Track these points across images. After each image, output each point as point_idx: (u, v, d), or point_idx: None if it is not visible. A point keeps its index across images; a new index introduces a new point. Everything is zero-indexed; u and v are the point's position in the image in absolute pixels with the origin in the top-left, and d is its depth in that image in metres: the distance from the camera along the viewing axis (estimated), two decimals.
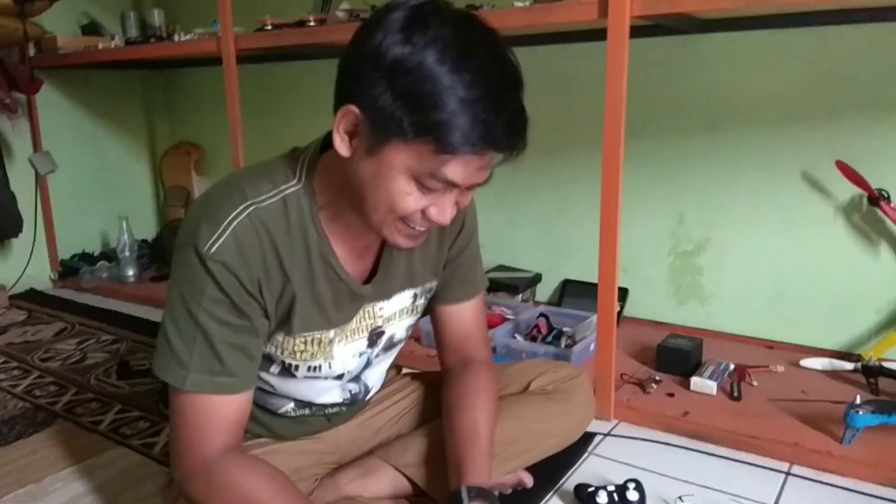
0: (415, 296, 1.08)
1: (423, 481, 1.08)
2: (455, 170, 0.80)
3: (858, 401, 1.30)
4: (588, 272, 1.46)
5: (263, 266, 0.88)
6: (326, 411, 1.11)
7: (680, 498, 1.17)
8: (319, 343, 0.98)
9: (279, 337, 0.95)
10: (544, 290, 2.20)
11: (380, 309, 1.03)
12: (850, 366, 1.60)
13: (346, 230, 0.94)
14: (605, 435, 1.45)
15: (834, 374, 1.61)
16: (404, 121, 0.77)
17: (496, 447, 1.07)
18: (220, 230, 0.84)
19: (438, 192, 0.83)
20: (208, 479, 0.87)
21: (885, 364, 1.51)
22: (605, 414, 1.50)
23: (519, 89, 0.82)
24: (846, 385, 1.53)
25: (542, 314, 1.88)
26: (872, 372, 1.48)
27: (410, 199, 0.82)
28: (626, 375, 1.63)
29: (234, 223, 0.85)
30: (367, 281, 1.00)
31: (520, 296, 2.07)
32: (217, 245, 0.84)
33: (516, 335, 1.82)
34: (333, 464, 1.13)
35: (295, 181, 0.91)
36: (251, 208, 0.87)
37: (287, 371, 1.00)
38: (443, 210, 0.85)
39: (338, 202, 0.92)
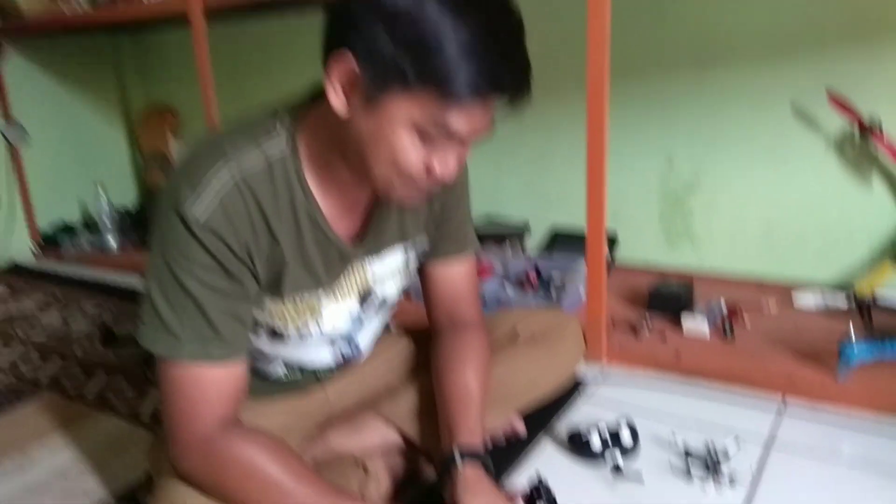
0: (406, 253, 1.04)
1: (414, 434, 1.07)
2: (459, 119, 0.77)
3: (853, 335, 1.28)
4: (578, 219, 1.42)
5: (252, 230, 0.84)
6: (318, 374, 1.08)
7: (673, 434, 1.15)
8: (309, 305, 0.95)
9: (268, 301, 0.92)
10: (533, 240, 2.16)
11: (371, 268, 1.00)
12: (843, 301, 1.59)
13: (335, 187, 0.90)
14: (598, 379, 1.43)
15: (827, 311, 1.59)
16: (406, 68, 0.74)
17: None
18: (204, 194, 0.80)
19: (441, 145, 0.80)
20: (208, 455, 0.84)
21: (879, 297, 1.50)
22: (597, 358, 1.49)
23: (522, 34, 0.79)
24: (840, 321, 1.51)
25: (531, 264, 1.85)
26: (866, 306, 1.47)
27: (413, 153, 0.79)
28: (616, 320, 1.61)
29: (219, 187, 0.81)
30: (357, 238, 0.97)
31: (508, 246, 2.03)
32: (203, 210, 0.80)
33: (506, 286, 1.79)
34: (322, 419, 1.11)
35: (278, 138, 0.86)
36: (235, 171, 0.82)
37: (276, 335, 0.97)
38: (446, 163, 0.82)
39: (326, 158, 0.88)
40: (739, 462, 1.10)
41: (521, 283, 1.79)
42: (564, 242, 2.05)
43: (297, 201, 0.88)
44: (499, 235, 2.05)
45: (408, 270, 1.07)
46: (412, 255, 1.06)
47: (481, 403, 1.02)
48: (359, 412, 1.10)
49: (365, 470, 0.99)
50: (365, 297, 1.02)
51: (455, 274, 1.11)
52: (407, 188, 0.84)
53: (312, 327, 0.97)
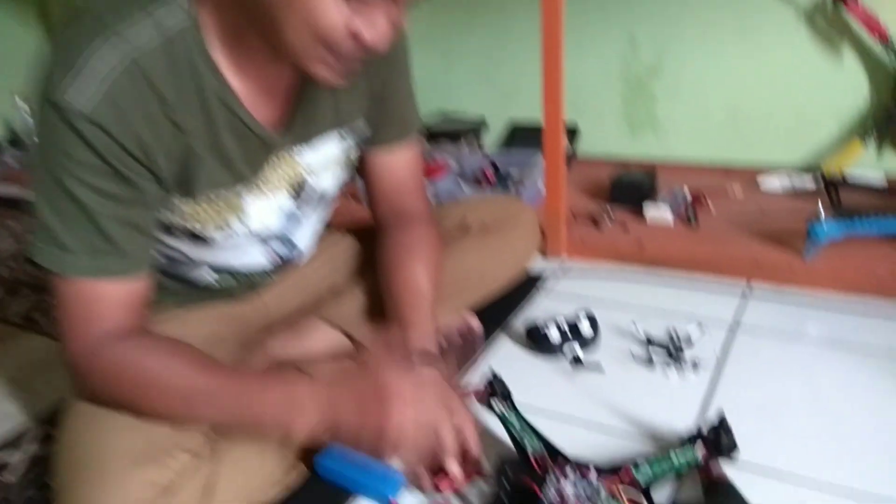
0: (343, 140, 0.93)
1: (363, 337, 0.99)
2: None
3: (822, 212, 1.22)
4: (537, 112, 1.31)
5: (148, 122, 0.71)
6: (253, 279, 0.99)
7: (634, 323, 1.10)
8: (228, 203, 0.84)
9: (178, 202, 0.80)
10: (491, 136, 2.05)
11: (301, 157, 0.88)
12: (811, 182, 1.53)
13: (250, 64, 0.77)
14: (557, 274, 1.37)
15: (795, 194, 1.54)
16: None
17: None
18: (84, 79, 0.67)
19: (368, 3, 0.67)
20: (105, 366, 0.75)
21: (847, 175, 1.44)
22: (557, 253, 1.42)
23: None
24: (808, 203, 1.45)
25: (487, 160, 1.75)
26: (834, 184, 1.41)
27: (334, 13, 0.66)
28: (577, 213, 1.53)
29: (105, 71, 0.67)
30: (282, 125, 0.84)
31: (463, 144, 1.92)
32: (85, 100, 0.67)
33: (461, 184, 1.69)
34: (261, 328, 1.02)
35: (173, 4, 0.72)
36: (122, 49, 0.68)
37: (196, 236, 0.86)
38: (374, 25, 0.69)
39: (235, 28, 0.74)
40: (703, 348, 1.05)
41: (478, 180, 1.70)
42: (524, 137, 1.94)
43: (205, 83, 0.75)
44: (453, 132, 1.93)
45: (347, 160, 0.96)
46: (350, 143, 0.95)
47: (432, 301, 0.95)
48: (302, 318, 1.02)
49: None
50: (298, 191, 0.91)
51: (398, 162, 1.01)
52: (330, 60, 0.71)
53: (237, 227, 0.87)
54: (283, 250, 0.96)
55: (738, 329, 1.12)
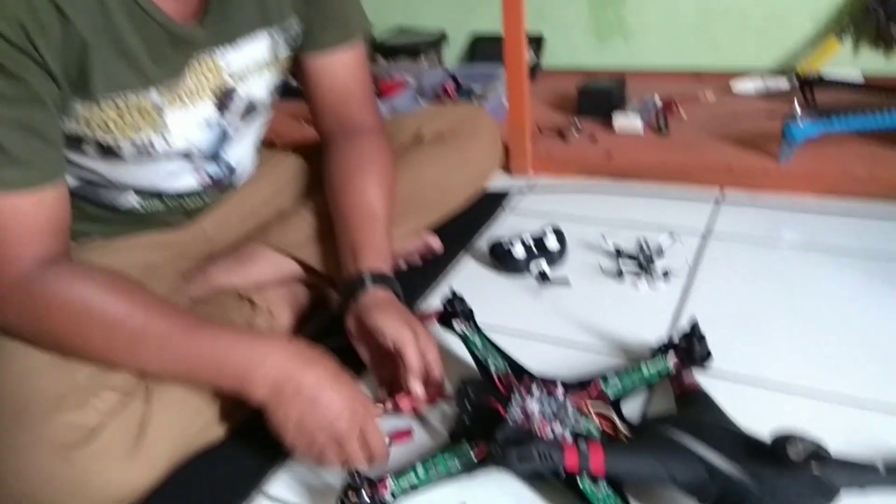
0: (272, 40, 0.83)
1: (314, 259, 0.92)
2: None
3: (797, 112, 1.16)
4: (500, 23, 1.20)
5: (28, 5, 0.62)
6: (185, 203, 0.90)
7: (603, 236, 1.05)
8: (140, 109, 0.74)
9: (78, 105, 0.70)
10: (452, 50, 1.94)
11: (224, 60, 0.79)
12: (785, 83, 1.46)
13: None
14: (523, 191, 1.30)
15: (769, 95, 1.47)
16: None
17: None
18: None
19: None
20: (27, 301, 0.67)
21: (823, 74, 1.37)
22: (522, 170, 1.35)
23: None
24: (782, 104, 1.38)
25: (448, 75, 1.65)
26: (809, 83, 1.34)
27: None
28: (543, 127, 1.45)
29: None
30: (196, 19, 0.74)
31: (423, 59, 1.81)
32: None
33: (420, 101, 1.60)
34: (202, 258, 0.94)
35: None
36: None
37: (109, 151, 0.77)
38: None
39: None
40: (675, 257, 1.00)
41: (438, 97, 1.60)
42: (487, 50, 1.83)
43: None
44: (411, 47, 1.81)
45: (278, 63, 0.87)
46: (281, 43, 0.85)
47: (387, 220, 0.87)
48: (245, 244, 0.94)
49: (251, 303, 0.85)
50: (223, 99, 0.82)
51: (340, 68, 0.91)
52: None
53: (160, 144, 0.78)
54: (215, 170, 0.88)
55: (711, 237, 1.07)
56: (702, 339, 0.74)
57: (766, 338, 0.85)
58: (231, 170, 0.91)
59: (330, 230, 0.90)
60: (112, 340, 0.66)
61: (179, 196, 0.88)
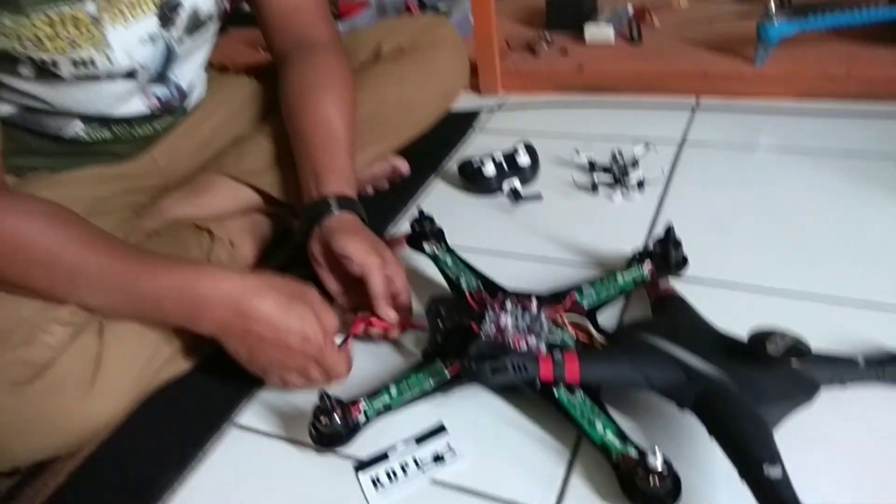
0: None
1: (273, 186, 0.87)
2: None
3: (773, 9, 1.11)
4: None
5: None
6: (134, 131, 0.84)
7: (577, 151, 1.01)
8: (75, 23, 0.68)
9: (7, 20, 0.65)
10: None
11: None
12: None
13: None
14: (492, 109, 1.25)
15: None
16: None
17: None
18: None
19: None
20: None
21: None
22: (491, 88, 1.30)
23: None
24: (758, 4, 1.33)
25: None
26: None
27: None
28: (512, 42, 1.39)
29: None
30: None
31: None
32: None
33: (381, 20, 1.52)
34: (155, 191, 0.89)
35: None
36: None
37: (47, 72, 0.71)
38: None
39: None
40: (649, 168, 0.97)
41: (400, 14, 1.52)
42: None
43: None
44: None
45: None
46: None
47: (349, 140, 0.83)
48: (199, 174, 0.89)
49: (210, 235, 0.81)
50: (167, 12, 0.76)
51: None
52: None
53: (99, 60, 0.72)
54: (163, 93, 0.82)
55: (687, 145, 1.04)
56: (677, 244, 0.72)
57: (744, 242, 0.83)
58: (181, 92, 0.85)
59: (289, 155, 0.85)
60: (51, 276, 0.62)
61: (128, 123, 0.83)
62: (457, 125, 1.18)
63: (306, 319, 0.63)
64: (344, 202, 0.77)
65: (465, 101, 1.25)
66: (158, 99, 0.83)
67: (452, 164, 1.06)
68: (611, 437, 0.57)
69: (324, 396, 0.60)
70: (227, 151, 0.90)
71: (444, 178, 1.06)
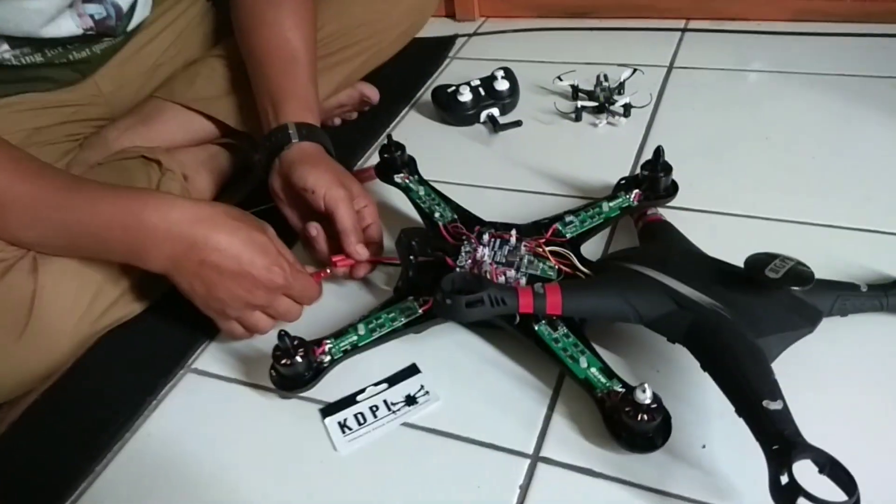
0: None
1: (228, 114, 0.80)
2: None
3: None
4: None
5: None
6: (70, 55, 0.76)
7: (559, 77, 0.94)
8: None
9: None
10: None
11: None
12: None
13: None
14: (469, 36, 1.17)
15: None
16: None
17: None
18: None
19: None
20: None
21: None
22: (468, 12, 1.22)
23: None
24: None
25: None
26: None
27: None
28: None
29: None
30: None
31: None
32: None
33: None
34: (99, 121, 0.82)
35: None
36: None
37: None
38: None
39: None
40: (637, 94, 0.90)
41: None
42: None
43: None
44: None
45: None
46: None
47: (309, 62, 0.76)
48: (147, 101, 0.82)
49: (160, 166, 0.74)
50: None
51: None
52: None
53: None
54: (97, 10, 0.73)
55: (675, 71, 0.98)
56: (667, 168, 0.67)
57: (737, 168, 0.78)
58: (118, 11, 0.76)
59: (246, 79, 0.78)
60: None
61: (61, 45, 0.74)
62: (431, 53, 1.10)
63: (269, 248, 0.57)
64: (305, 130, 0.70)
65: (440, 28, 1.17)
66: (92, 18, 0.74)
67: (426, 95, 0.99)
68: (595, 372, 0.53)
69: (284, 336, 0.55)
70: (178, 76, 0.83)
71: (418, 108, 0.99)
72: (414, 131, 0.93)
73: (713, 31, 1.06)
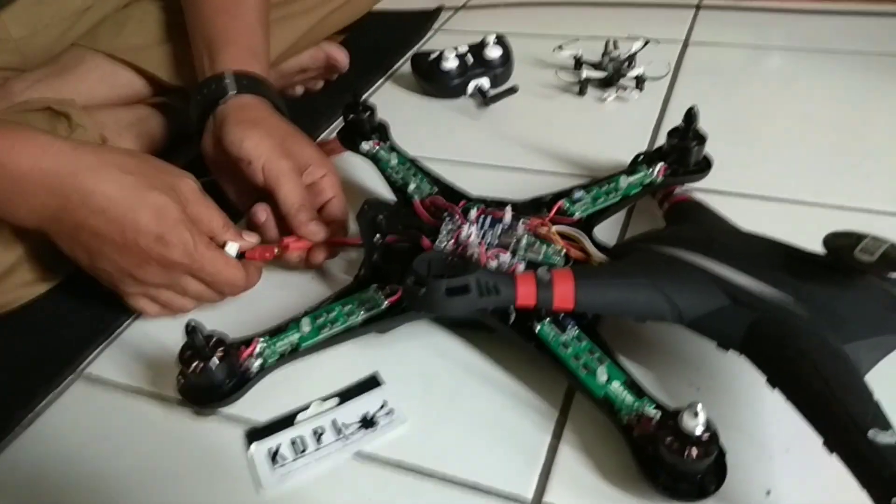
0: None
1: (159, 66, 0.66)
2: None
3: None
4: None
5: None
6: None
7: (559, 46, 0.81)
8: None
9: None
10: None
11: None
12: None
13: None
14: (457, 8, 1.04)
15: None
16: None
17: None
18: None
19: None
20: None
21: None
22: None
23: None
24: None
25: None
26: None
27: None
28: None
29: None
30: None
31: None
32: None
33: None
34: (6, 70, 0.67)
35: None
36: None
37: None
38: None
39: None
40: (651, 65, 0.77)
41: None
42: None
43: None
44: None
45: None
46: None
47: (259, 5, 0.62)
48: (67, 50, 0.68)
49: (68, 119, 0.59)
50: None
51: None
52: None
53: None
54: None
55: (691, 47, 0.85)
56: (700, 136, 0.54)
57: (772, 147, 0.64)
58: None
59: (182, 30, 0.64)
60: None
61: None
62: (412, 21, 0.97)
63: (167, 213, 0.43)
64: (245, 81, 0.56)
65: (424, 2, 1.04)
66: None
67: (407, 66, 0.86)
68: (618, 388, 0.39)
69: (195, 330, 0.40)
70: (105, 22, 0.68)
71: (396, 80, 0.85)
72: (390, 103, 0.79)
73: (730, 9, 0.94)
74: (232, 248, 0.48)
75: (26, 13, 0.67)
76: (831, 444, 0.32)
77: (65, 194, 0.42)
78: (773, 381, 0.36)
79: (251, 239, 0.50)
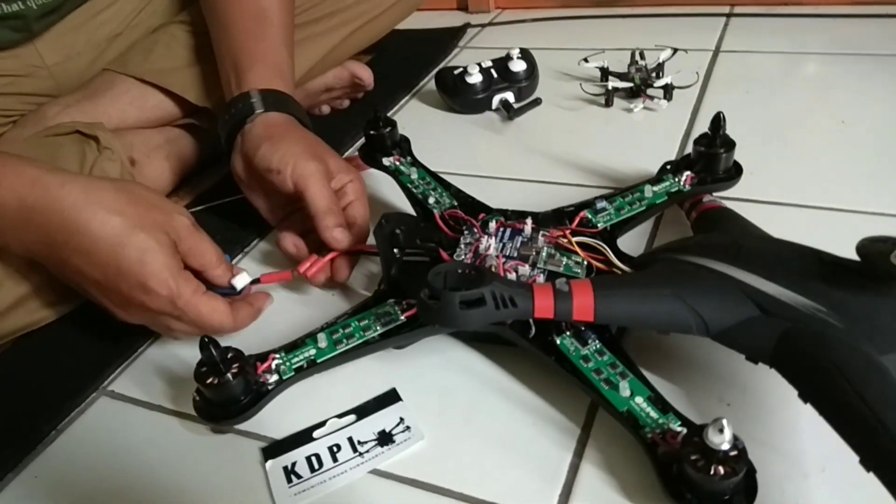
0: None
1: (188, 88, 0.67)
2: None
3: None
4: None
5: None
6: (4, 7, 0.63)
7: (585, 59, 0.80)
8: None
9: None
10: None
11: None
12: None
13: None
14: (483, 25, 1.04)
15: None
16: None
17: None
18: None
19: None
20: None
21: None
22: (482, 4, 1.09)
23: None
24: None
25: None
26: None
27: None
28: None
29: None
30: None
31: None
32: None
33: None
34: (41, 97, 0.69)
35: None
36: None
37: None
38: None
39: None
40: (679, 75, 0.76)
41: None
42: None
43: None
44: None
45: None
46: None
47: (283, 26, 0.63)
48: (98, 75, 0.69)
49: (96, 142, 0.60)
50: None
51: None
52: None
53: None
54: None
55: (722, 55, 0.83)
56: (728, 142, 0.52)
57: (810, 154, 0.62)
58: None
59: (212, 51, 0.65)
60: None
61: None
62: (437, 39, 0.97)
63: (150, 256, 0.42)
64: (272, 99, 0.57)
65: (450, 20, 1.05)
66: None
67: (432, 84, 0.86)
68: (642, 403, 0.37)
69: (209, 345, 0.40)
70: (135, 47, 0.70)
71: (421, 97, 0.85)
72: (415, 120, 0.79)
73: (762, 16, 0.92)
74: (243, 279, 0.48)
75: (60, 41, 0.69)
76: (868, 463, 0.30)
77: (49, 232, 0.42)
78: (805, 396, 0.34)
79: (244, 277, 0.49)
